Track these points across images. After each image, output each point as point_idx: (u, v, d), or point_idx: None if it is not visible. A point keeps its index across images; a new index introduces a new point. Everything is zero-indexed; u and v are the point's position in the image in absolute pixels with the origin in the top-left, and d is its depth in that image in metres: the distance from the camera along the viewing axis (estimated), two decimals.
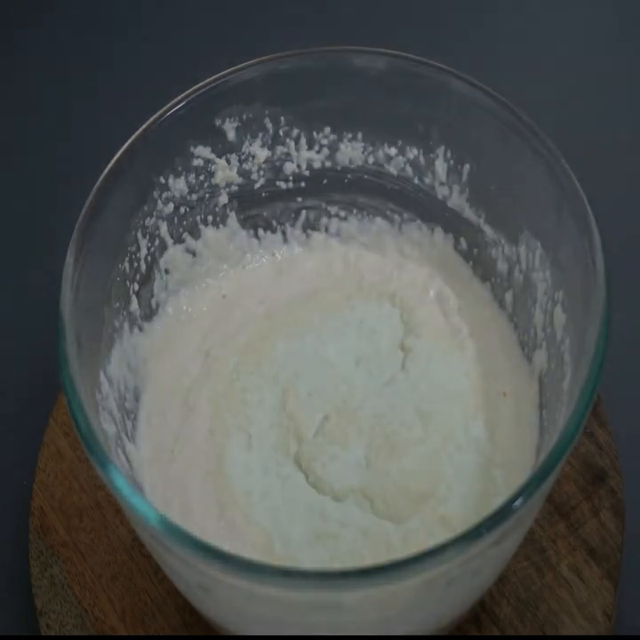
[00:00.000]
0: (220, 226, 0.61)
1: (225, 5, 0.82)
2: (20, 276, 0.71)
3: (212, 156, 0.58)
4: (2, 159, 0.76)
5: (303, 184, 0.61)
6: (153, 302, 0.59)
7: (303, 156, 0.60)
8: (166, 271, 0.59)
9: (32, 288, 0.70)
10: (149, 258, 0.57)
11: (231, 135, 0.58)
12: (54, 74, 0.80)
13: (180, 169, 0.57)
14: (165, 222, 0.58)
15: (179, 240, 0.59)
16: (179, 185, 0.57)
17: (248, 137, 0.58)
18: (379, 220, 0.62)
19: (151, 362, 0.58)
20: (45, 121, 0.77)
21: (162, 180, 0.56)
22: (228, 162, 0.59)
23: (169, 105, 0.54)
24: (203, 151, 0.58)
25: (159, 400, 0.58)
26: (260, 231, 0.62)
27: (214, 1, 0.83)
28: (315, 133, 0.59)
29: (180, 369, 0.59)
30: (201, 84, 0.55)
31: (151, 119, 0.53)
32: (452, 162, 0.58)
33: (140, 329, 0.58)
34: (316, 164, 0.60)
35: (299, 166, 0.60)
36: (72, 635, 0.56)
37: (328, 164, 0.60)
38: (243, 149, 0.59)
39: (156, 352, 0.59)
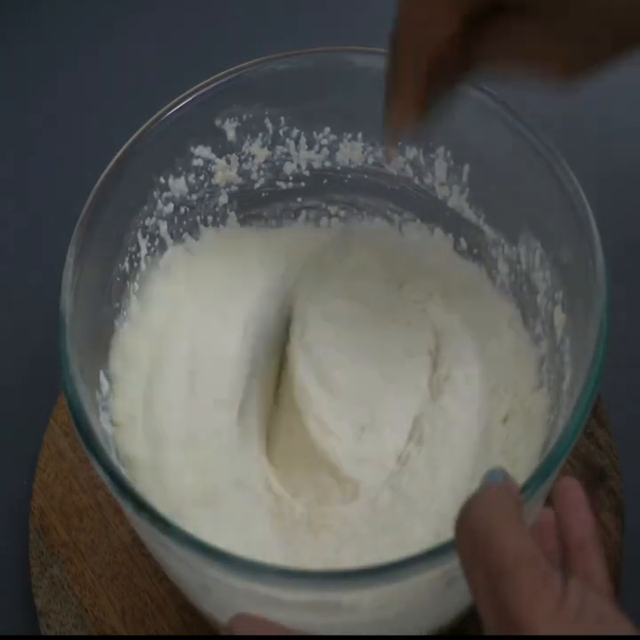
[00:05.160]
0: (220, 226, 0.61)
1: (225, 5, 0.82)
2: (20, 276, 0.71)
3: (212, 156, 0.58)
4: (2, 158, 0.76)
5: (303, 184, 0.61)
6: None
7: (303, 156, 0.60)
8: (167, 271, 0.59)
9: (32, 288, 0.70)
10: (149, 258, 0.58)
11: (231, 135, 0.58)
12: (54, 73, 0.79)
13: (180, 169, 0.57)
14: (165, 222, 0.58)
15: (179, 240, 0.59)
16: (179, 185, 0.57)
17: (248, 137, 0.58)
18: (378, 219, 0.62)
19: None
20: (46, 120, 0.77)
21: (162, 179, 0.56)
22: (228, 162, 0.59)
23: (169, 105, 0.54)
24: (203, 151, 0.58)
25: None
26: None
27: (214, 1, 0.83)
28: (314, 133, 0.59)
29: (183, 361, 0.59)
30: (201, 83, 0.55)
31: (151, 119, 0.53)
32: (451, 162, 0.57)
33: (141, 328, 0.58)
34: (316, 164, 0.60)
35: (298, 166, 0.60)
36: (72, 635, 0.56)
37: (328, 163, 0.60)
38: (243, 149, 0.59)
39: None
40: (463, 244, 0.60)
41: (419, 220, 0.61)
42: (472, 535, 0.36)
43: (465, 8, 0.43)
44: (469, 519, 0.37)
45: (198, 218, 0.60)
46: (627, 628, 0.34)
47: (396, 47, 0.45)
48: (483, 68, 0.46)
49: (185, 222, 0.59)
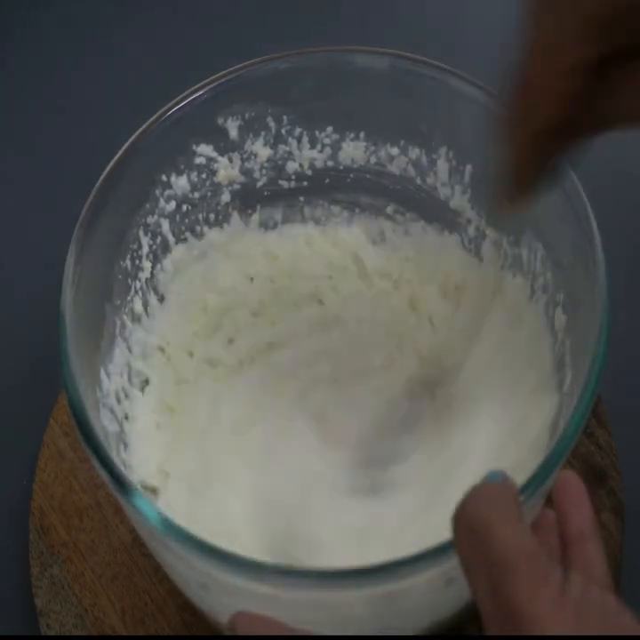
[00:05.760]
0: (224, 225, 0.61)
1: (225, 5, 0.82)
2: (21, 276, 0.71)
3: (215, 155, 0.58)
4: (2, 158, 0.76)
5: (305, 183, 0.61)
6: (155, 299, 0.59)
7: (305, 156, 0.60)
8: (168, 269, 0.59)
9: (32, 288, 0.70)
10: (151, 255, 0.58)
11: (233, 134, 0.58)
12: (55, 72, 0.80)
13: (182, 167, 0.57)
14: (167, 220, 0.58)
15: (180, 238, 0.59)
16: (181, 183, 0.57)
17: (250, 135, 0.58)
18: (381, 219, 0.62)
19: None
20: (46, 120, 0.77)
21: (164, 177, 0.56)
22: (231, 160, 0.59)
23: (171, 103, 0.54)
24: (205, 149, 0.58)
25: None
26: None
27: (215, 1, 0.83)
28: (317, 132, 0.59)
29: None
30: (203, 82, 0.55)
31: (153, 117, 0.53)
32: (454, 162, 0.58)
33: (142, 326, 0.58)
34: (319, 164, 0.60)
35: (301, 165, 0.60)
36: (72, 635, 0.56)
37: (330, 163, 0.60)
38: (245, 148, 0.59)
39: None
40: (465, 244, 0.60)
41: (421, 221, 0.61)
42: (471, 533, 0.36)
43: (589, 61, 0.37)
44: (468, 516, 0.37)
45: (200, 216, 0.60)
46: (628, 621, 0.34)
47: (513, 124, 0.40)
48: (610, 126, 0.39)
49: (187, 220, 0.59)
